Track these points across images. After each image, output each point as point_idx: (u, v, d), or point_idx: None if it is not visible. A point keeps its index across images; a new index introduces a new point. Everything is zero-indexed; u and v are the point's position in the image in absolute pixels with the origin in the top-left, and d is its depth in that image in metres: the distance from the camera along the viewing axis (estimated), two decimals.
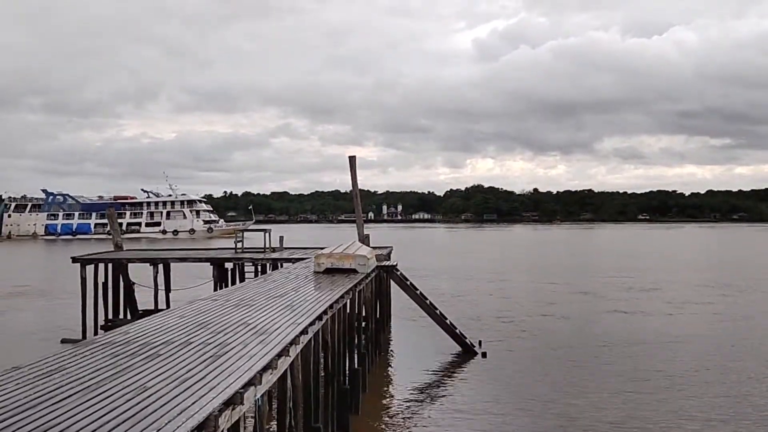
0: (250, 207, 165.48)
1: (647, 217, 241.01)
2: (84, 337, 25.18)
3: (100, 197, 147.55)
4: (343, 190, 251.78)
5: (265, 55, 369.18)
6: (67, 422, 6.46)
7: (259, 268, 28.91)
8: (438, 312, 24.57)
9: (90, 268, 28.12)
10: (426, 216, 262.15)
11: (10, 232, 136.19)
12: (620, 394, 18.91)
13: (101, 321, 27.53)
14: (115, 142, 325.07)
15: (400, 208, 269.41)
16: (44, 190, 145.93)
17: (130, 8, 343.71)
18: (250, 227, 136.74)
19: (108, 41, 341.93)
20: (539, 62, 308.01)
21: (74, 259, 28.49)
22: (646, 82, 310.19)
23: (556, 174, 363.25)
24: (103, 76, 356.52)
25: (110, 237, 34.29)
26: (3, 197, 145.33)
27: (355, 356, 19.04)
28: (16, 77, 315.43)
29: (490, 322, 30.56)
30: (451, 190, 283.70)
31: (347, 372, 17.55)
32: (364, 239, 29.23)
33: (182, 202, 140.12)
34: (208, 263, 29.28)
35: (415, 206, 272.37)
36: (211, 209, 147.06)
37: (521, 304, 36.91)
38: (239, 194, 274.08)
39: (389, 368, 23.03)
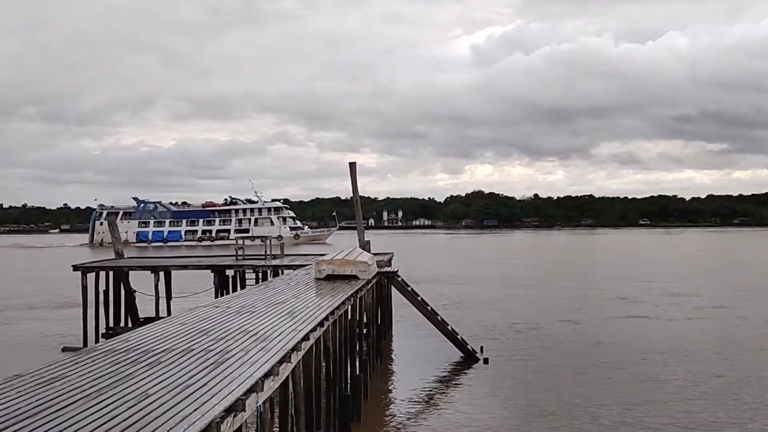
0: (334, 213, 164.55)
1: (648, 222, 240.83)
2: (85, 345, 25.15)
3: (186, 203, 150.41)
4: (343, 197, 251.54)
5: (261, 62, 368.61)
6: (68, 430, 6.45)
7: (260, 275, 28.90)
8: (439, 318, 24.54)
9: (91, 276, 28.11)
10: (426, 222, 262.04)
11: (102, 240, 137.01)
12: (625, 406, 18.33)
13: (102, 329, 27.51)
14: (113, 151, 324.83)
15: (400, 214, 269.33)
16: (135, 198, 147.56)
17: (126, 18, 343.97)
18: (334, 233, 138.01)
19: (104, 51, 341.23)
20: (533, 68, 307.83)
21: (75, 267, 28.46)
22: (640, 88, 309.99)
23: (555, 179, 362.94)
24: (99, 85, 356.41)
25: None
26: (95, 206, 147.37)
27: (357, 363, 19.01)
28: (13, 87, 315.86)
29: (495, 329, 30.37)
30: (451, 196, 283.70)
31: (349, 379, 17.52)
32: (365, 245, 29.23)
33: (269, 209, 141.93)
34: (209, 270, 29.27)
35: (416, 212, 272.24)
36: (295, 216, 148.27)
37: (528, 310, 36.59)
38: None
39: (391, 375, 22.98)
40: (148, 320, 24.17)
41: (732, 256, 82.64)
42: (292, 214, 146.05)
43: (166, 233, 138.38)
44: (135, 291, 29.40)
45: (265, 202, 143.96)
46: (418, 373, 22.45)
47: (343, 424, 15.56)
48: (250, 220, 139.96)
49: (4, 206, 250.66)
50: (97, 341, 25.52)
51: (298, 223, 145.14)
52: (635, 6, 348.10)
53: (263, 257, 31.06)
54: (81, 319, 27.07)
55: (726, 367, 22.67)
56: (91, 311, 27.20)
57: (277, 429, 11.65)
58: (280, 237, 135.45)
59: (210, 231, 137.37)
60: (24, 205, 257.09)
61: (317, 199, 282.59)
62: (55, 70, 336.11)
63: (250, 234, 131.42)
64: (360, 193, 31.84)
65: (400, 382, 21.78)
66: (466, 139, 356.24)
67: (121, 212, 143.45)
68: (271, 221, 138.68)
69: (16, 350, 26.90)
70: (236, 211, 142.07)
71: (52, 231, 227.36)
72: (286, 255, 33.17)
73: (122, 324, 28.22)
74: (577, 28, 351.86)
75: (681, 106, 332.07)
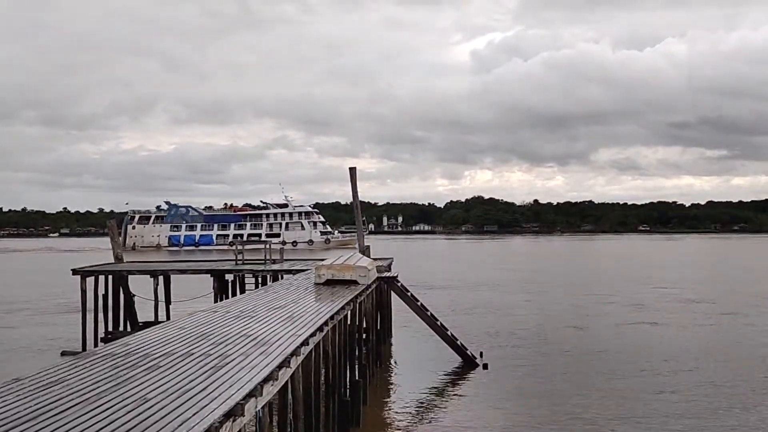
0: (364, 218, 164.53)
1: (648, 228, 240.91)
2: (84, 349, 25.12)
3: (223, 207, 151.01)
4: (343, 202, 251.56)
5: (260, 67, 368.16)
6: None
7: (260, 279, 28.90)
8: (439, 323, 24.51)
9: (90, 280, 28.09)
10: (426, 227, 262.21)
11: (134, 244, 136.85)
12: (627, 415, 18.01)
13: (101, 333, 27.49)
14: (113, 155, 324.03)
15: (400, 219, 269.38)
16: (167, 202, 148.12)
17: (126, 22, 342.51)
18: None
19: (104, 54, 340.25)
20: (532, 74, 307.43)
21: (74, 271, 28.46)
22: (638, 94, 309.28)
23: (554, 185, 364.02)
24: (99, 89, 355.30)
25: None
26: (127, 210, 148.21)
27: (356, 368, 18.98)
28: (13, 90, 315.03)
29: (496, 335, 30.25)
30: (451, 201, 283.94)
31: (348, 384, 17.50)
32: (365, 250, 29.24)
33: (300, 213, 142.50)
34: (209, 275, 29.25)
35: (416, 218, 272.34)
36: (324, 220, 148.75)
37: (529, 315, 36.44)
38: (240, 206, 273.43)
39: (390, 380, 22.94)
40: (147, 324, 24.13)
41: (735, 263, 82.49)
42: (322, 218, 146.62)
43: (197, 237, 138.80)
44: (134, 295, 29.39)
45: (296, 206, 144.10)
46: (418, 378, 22.41)
47: (342, 429, 15.53)
48: (281, 224, 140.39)
49: (3, 210, 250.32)
50: (96, 345, 25.50)
51: (328, 228, 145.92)
52: (633, 13, 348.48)
53: (263, 262, 31.06)
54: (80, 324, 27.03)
55: (734, 376, 22.33)
56: (90, 315, 27.18)
57: None
58: (311, 241, 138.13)
59: (241, 235, 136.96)
60: (23, 209, 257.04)
61: (317, 204, 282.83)
62: (54, 74, 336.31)
63: (281, 239, 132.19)
64: (360, 198, 31.88)
65: (400, 387, 21.75)
66: (465, 144, 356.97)
67: (153, 216, 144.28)
68: (302, 225, 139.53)
69: (16, 354, 26.86)
70: (267, 215, 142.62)
71: (51, 235, 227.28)
72: (286, 260, 33.19)
73: (121, 328, 28.19)
74: (575, 35, 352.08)
75: (679, 112, 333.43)
